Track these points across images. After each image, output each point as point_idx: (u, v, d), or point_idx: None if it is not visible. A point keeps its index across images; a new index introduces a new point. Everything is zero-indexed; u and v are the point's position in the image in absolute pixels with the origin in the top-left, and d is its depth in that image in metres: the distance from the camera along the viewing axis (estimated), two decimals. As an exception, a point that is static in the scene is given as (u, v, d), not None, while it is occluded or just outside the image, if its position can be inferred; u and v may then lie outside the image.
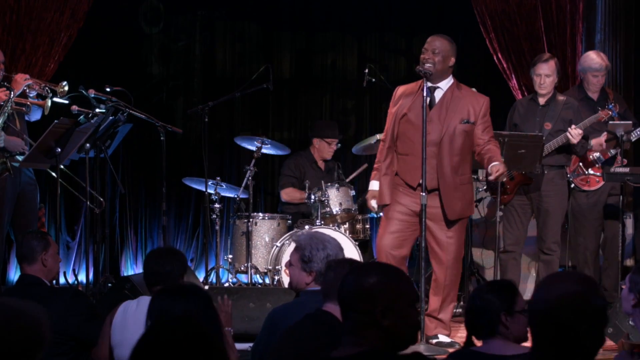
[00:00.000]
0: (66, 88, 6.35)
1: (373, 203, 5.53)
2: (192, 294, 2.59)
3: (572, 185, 6.71)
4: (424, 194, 5.08)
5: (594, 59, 6.67)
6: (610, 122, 6.53)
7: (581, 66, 6.76)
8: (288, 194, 7.58)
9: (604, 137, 6.52)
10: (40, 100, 6.46)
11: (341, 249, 3.78)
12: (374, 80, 6.68)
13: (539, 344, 2.33)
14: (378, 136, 6.61)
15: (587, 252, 6.68)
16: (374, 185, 5.56)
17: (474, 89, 5.58)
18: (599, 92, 6.72)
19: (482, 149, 5.35)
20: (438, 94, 5.34)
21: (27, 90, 6.39)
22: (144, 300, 3.73)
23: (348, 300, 2.48)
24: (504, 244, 6.56)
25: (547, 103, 6.47)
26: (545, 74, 6.42)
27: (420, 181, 5.23)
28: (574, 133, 6.22)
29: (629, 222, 7.30)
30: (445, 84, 5.33)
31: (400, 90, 5.49)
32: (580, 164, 6.67)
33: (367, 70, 6.78)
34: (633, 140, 6.56)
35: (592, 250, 6.67)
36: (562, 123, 6.41)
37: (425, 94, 5.13)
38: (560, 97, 6.56)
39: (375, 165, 5.63)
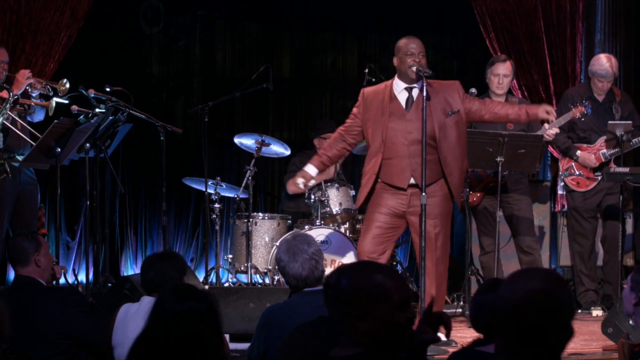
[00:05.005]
0: (67, 85, 6.35)
1: (298, 180, 5.58)
2: (198, 295, 2.59)
3: (562, 184, 6.76)
4: (424, 194, 5.09)
5: (602, 64, 6.65)
6: (610, 122, 6.55)
7: (590, 67, 6.77)
8: (293, 185, 7.55)
9: (594, 152, 6.58)
10: (43, 101, 6.46)
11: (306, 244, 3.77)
12: (374, 80, 6.67)
13: (505, 342, 2.29)
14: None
15: (583, 251, 6.70)
16: (309, 168, 5.62)
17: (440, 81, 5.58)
18: (604, 95, 6.73)
19: (492, 111, 5.37)
20: (415, 93, 5.35)
21: (30, 90, 6.40)
22: (145, 301, 3.73)
23: (328, 302, 2.44)
24: (483, 246, 6.57)
25: None
26: (504, 74, 6.44)
27: (412, 181, 5.29)
28: (550, 133, 6.28)
29: (629, 222, 7.31)
30: (419, 83, 5.33)
31: (367, 93, 5.49)
32: (573, 164, 6.69)
33: (367, 70, 6.78)
34: (633, 147, 6.58)
35: (587, 248, 6.70)
36: (521, 123, 6.46)
37: (424, 94, 5.13)
38: (513, 99, 6.62)
39: (320, 152, 5.72)
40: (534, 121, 5.48)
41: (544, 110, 5.38)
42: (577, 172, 6.66)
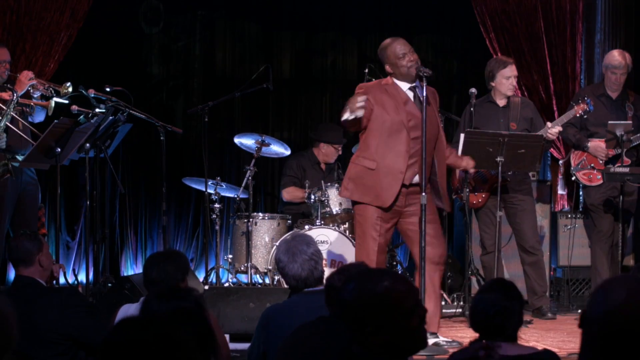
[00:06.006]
0: (70, 89, 6.36)
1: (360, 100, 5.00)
2: (182, 294, 2.58)
3: (573, 178, 6.77)
4: (424, 194, 5.08)
5: (614, 56, 6.72)
6: (610, 122, 6.55)
7: (604, 62, 6.84)
8: (290, 193, 7.58)
9: (602, 141, 6.58)
10: (43, 101, 6.46)
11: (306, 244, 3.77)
12: (374, 80, 6.67)
13: (590, 343, 2.29)
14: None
15: (597, 247, 6.70)
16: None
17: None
18: (618, 92, 6.73)
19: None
20: (419, 93, 5.25)
21: (31, 91, 6.40)
22: (145, 301, 3.74)
23: (341, 317, 2.40)
24: (485, 246, 6.57)
25: (507, 104, 6.51)
26: (515, 75, 6.50)
27: (415, 180, 5.25)
28: (553, 132, 6.29)
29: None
30: (418, 82, 5.29)
31: (367, 87, 5.35)
32: (585, 157, 6.69)
33: (367, 70, 6.79)
34: (634, 144, 6.57)
35: (601, 245, 6.69)
36: (525, 122, 6.48)
37: (424, 95, 5.12)
38: (515, 98, 6.63)
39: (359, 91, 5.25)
40: (450, 164, 5.62)
41: (464, 162, 5.58)
42: (589, 166, 6.67)
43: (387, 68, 5.28)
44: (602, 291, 2.30)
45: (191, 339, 1.93)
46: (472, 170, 5.90)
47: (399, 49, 5.23)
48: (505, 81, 6.48)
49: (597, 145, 6.61)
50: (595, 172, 6.66)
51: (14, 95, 6.08)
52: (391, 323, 2.33)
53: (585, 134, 6.71)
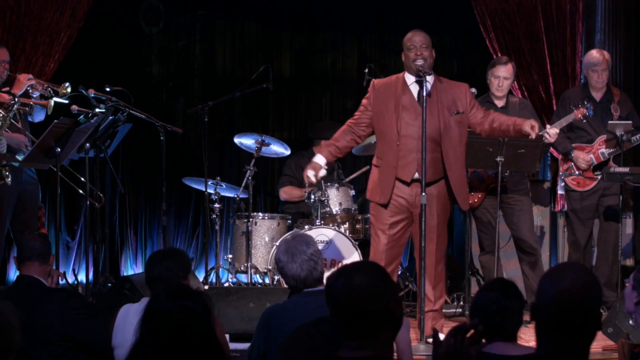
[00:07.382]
0: (69, 90, 6.36)
1: (309, 173, 5.46)
2: (192, 295, 2.60)
3: (562, 184, 6.77)
4: (424, 194, 5.09)
5: (592, 53, 6.77)
6: (610, 122, 6.55)
7: (583, 64, 6.86)
8: (286, 192, 7.58)
9: (593, 152, 6.59)
10: (43, 101, 6.46)
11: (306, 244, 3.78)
12: (373, 80, 6.67)
13: (544, 328, 2.36)
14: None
15: (578, 257, 6.72)
16: (318, 158, 5.51)
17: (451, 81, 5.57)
18: (602, 92, 6.73)
19: (491, 121, 5.39)
20: (425, 88, 5.31)
21: (30, 91, 6.40)
22: (145, 301, 3.73)
23: (361, 303, 2.42)
24: (483, 246, 6.57)
25: (505, 105, 6.51)
26: (504, 77, 6.47)
27: (416, 175, 5.26)
28: (551, 132, 6.28)
29: (629, 222, 7.31)
30: (431, 77, 5.32)
31: (378, 85, 5.47)
32: (572, 164, 6.70)
33: (367, 70, 6.78)
34: (634, 145, 6.57)
35: (580, 253, 6.72)
36: None
37: (425, 94, 5.13)
38: (514, 99, 6.64)
39: (329, 142, 5.60)
40: (519, 134, 5.44)
41: (529, 124, 5.31)
42: (577, 172, 6.68)
43: (402, 56, 5.42)
44: (549, 279, 2.40)
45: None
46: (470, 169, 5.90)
47: (413, 40, 5.34)
48: (494, 80, 6.48)
49: (579, 156, 6.63)
50: (583, 178, 6.67)
51: (15, 99, 6.07)
52: (376, 315, 2.41)
53: (573, 138, 6.71)
